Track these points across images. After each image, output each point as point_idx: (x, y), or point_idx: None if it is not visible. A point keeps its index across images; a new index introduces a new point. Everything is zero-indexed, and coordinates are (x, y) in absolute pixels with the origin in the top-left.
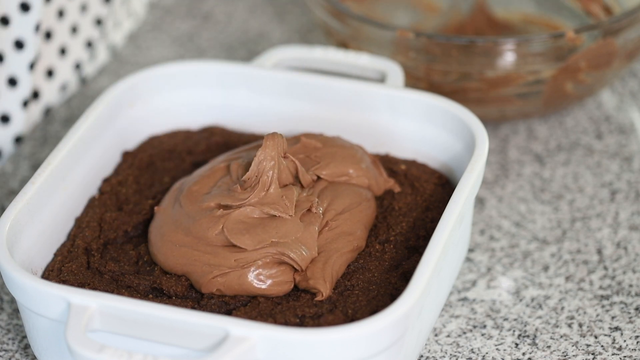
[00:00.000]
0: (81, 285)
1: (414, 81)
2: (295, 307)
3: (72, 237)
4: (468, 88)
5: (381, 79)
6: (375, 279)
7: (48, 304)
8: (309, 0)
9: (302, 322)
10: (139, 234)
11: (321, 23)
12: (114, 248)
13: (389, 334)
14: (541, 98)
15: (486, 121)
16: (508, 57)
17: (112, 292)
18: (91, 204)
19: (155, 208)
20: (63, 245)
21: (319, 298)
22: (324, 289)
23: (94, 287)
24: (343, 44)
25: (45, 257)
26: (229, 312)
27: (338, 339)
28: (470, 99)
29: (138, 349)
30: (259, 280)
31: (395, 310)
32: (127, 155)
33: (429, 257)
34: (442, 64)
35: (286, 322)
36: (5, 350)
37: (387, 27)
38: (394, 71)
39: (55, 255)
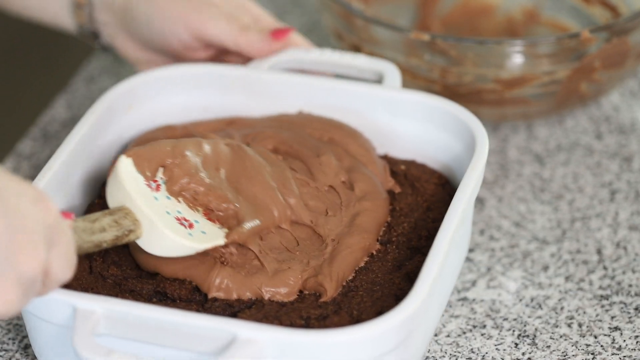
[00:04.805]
0: (84, 290)
1: (428, 84)
2: (300, 309)
3: None
4: (483, 90)
5: (378, 80)
6: (378, 279)
7: (53, 310)
8: (319, 4)
9: (307, 323)
10: None
11: (332, 27)
12: (115, 252)
13: (396, 335)
14: (556, 98)
15: (486, 121)
16: (522, 58)
17: (115, 296)
18: (91, 209)
19: None
20: None
21: (323, 299)
22: (330, 288)
23: (97, 292)
24: (355, 48)
25: None
26: (233, 315)
27: (346, 340)
28: (485, 101)
29: (144, 353)
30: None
31: (402, 311)
32: None
33: (434, 257)
34: (457, 66)
35: (292, 324)
36: (5, 350)
37: (401, 29)
38: (391, 72)
39: None
